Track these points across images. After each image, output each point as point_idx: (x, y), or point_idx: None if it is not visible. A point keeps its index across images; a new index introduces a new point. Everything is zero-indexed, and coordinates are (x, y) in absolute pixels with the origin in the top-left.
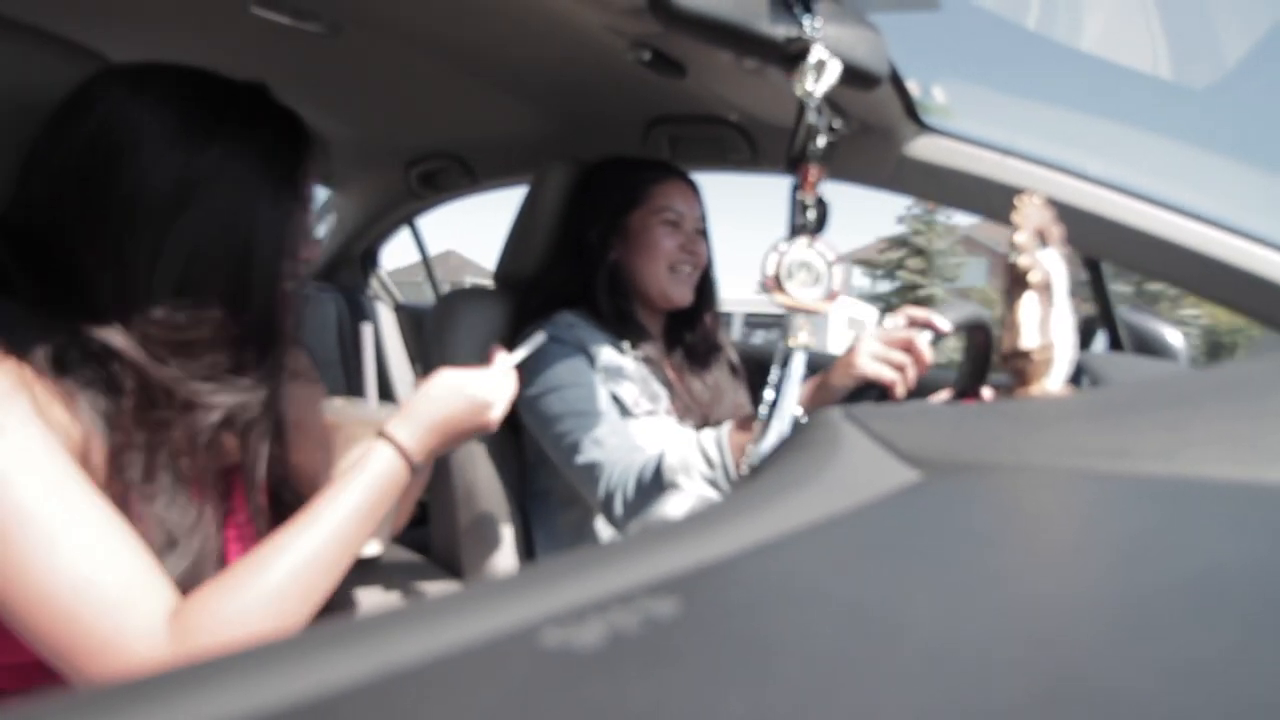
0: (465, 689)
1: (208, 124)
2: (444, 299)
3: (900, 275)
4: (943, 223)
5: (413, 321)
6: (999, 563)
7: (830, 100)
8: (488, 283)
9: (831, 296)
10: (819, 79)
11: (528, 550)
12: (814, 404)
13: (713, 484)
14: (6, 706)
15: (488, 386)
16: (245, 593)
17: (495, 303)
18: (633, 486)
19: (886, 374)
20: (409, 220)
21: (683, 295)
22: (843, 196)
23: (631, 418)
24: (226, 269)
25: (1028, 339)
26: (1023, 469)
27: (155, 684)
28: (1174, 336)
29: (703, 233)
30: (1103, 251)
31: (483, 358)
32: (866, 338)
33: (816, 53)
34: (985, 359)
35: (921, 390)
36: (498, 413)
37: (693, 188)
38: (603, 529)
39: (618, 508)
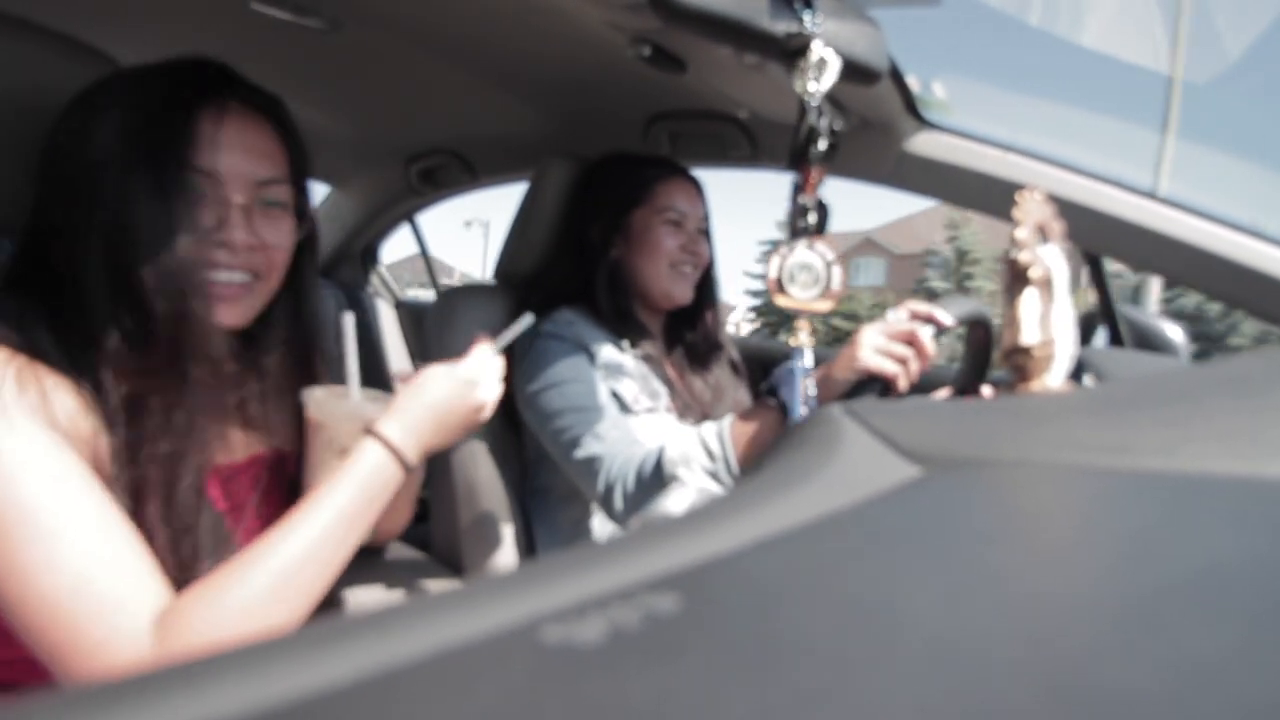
0: (466, 686)
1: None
2: (444, 295)
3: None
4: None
5: (413, 318)
6: (1000, 559)
7: (830, 96)
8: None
9: (831, 296)
10: (820, 77)
11: (529, 547)
12: (817, 397)
13: (714, 477)
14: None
15: (472, 365)
16: (228, 596)
17: (495, 299)
18: (633, 480)
19: (889, 367)
20: (409, 217)
21: (684, 294)
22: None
23: (631, 415)
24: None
25: (1028, 335)
26: (1023, 465)
27: (156, 684)
28: (1174, 332)
29: (705, 232)
30: (1103, 247)
31: None
32: (869, 331)
33: (816, 48)
34: (986, 355)
35: (922, 388)
36: (486, 394)
37: (696, 186)
38: (603, 525)
39: (617, 501)
